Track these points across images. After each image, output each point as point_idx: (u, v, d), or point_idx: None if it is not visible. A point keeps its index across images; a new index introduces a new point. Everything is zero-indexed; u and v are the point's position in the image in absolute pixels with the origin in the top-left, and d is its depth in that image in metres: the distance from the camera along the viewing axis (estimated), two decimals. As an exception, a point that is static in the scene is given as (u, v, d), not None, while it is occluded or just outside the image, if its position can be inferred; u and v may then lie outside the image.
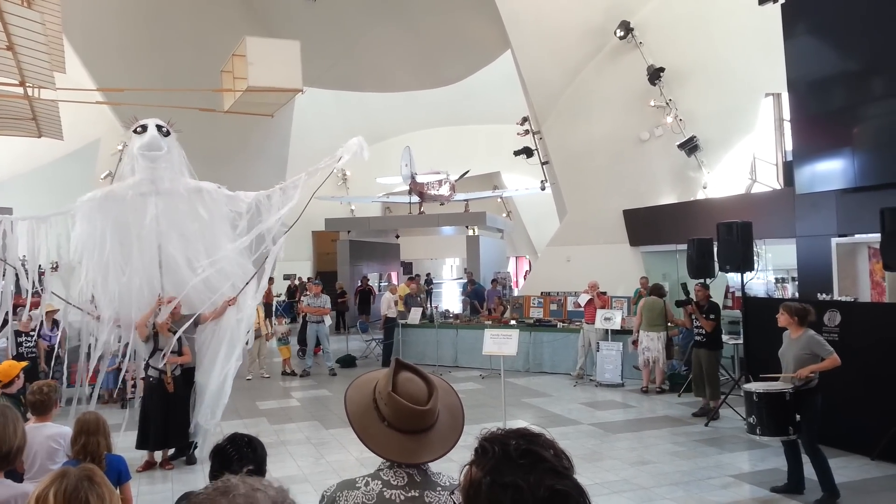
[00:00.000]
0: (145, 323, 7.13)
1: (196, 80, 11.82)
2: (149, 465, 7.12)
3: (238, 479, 1.27)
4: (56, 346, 9.54)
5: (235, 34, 10.88)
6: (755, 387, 6.05)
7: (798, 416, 5.77)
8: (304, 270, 21.85)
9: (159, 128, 7.14)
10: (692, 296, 9.47)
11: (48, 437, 4.14)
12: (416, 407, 1.89)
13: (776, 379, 6.04)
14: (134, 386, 10.35)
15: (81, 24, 14.32)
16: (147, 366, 7.15)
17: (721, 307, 12.72)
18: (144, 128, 7.05)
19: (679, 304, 9.70)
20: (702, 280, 9.49)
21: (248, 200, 7.29)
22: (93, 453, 3.73)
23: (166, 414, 7.04)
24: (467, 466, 1.33)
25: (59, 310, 8.31)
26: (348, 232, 21.51)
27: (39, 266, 7.41)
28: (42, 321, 9.00)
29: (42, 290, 7.50)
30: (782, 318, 6.01)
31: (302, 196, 7.06)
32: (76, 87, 11.18)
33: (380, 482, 1.88)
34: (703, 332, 9.13)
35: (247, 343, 7.70)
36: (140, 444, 7.07)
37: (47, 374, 9.18)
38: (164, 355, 7.01)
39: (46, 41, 7.66)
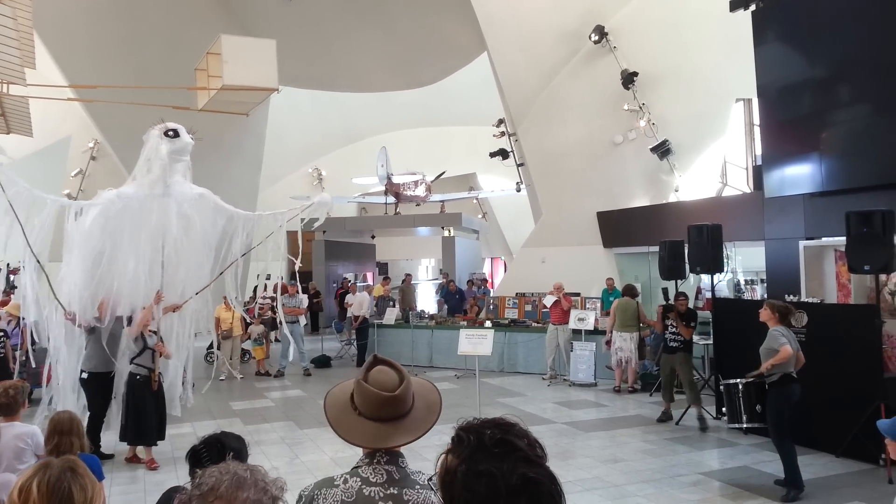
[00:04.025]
0: (147, 320, 7.25)
1: (170, 78, 11.69)
2: (136, 459, 7.24)
3: (241, 465, 1.36)
4: (18, 346, 9.38)
5: (210, 32, 10.78)
6: (726, 381, 6.74)
7: (759, 408, 6.20)
8: (279, 271, 21.73)
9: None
10: (670, 299, 9.30)
11: (16, 436, 4.10)
12: (383, 393, 1.92)
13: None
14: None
15: (53, 20, 14.08)
16: (132, 364, 7.21)
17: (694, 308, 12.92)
18: (176, 132, 7.30)
19: (665, 308, 9.36)
20: (682, 291, 9.35)
21: (241, 219, 7.99)
22: (65, 454, 3.69)
23: (157, 408, 7.23)
24: (443, 455, 1.38)
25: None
26: (324, 232, 21.39)
27: (8, 264, 7.35)
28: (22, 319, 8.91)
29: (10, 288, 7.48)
30: (764, 314, 6.25)
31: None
32: (46, 83, 11.00)
33: (358, 479, 1.89)
34: (681, 339, 8.88)
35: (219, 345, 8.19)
36: (133, 440, 7.18)
37: (13, 374, 9.04)
38: (154, 353, 7.22)
39: (17, 36, 7.58)
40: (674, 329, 8.93)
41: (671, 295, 9.50)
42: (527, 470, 1.28)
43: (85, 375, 7.39)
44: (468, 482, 1.29)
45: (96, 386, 7.41)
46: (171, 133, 7.27)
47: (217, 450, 2.68)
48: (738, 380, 6.49)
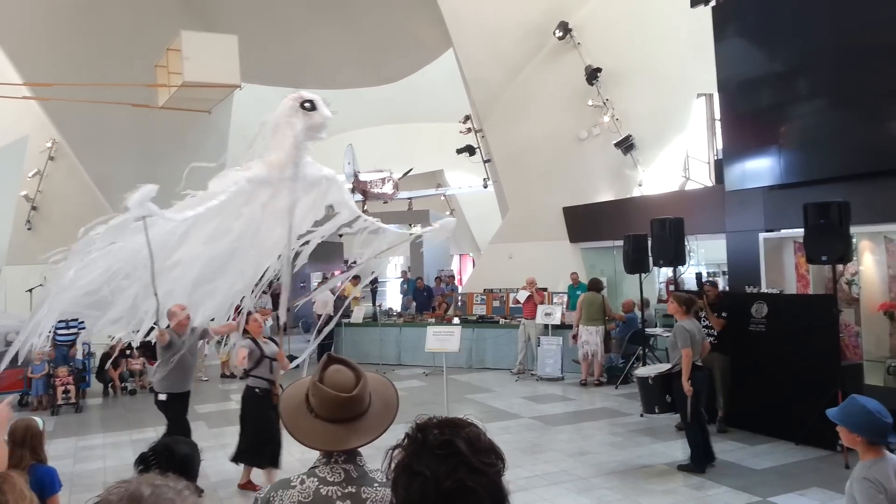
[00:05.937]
0: (261, 327, 6.47)
1: (130, 75, 11.49)
2: (251, 486, 6.35)
3: (144, 478, 1.29)
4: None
5: (171, 27, 10.62)
6: (638, 374, 7.27)
7: (669, 398, 6.58)
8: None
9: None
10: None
11: None
12: (340, 394, 1.89)
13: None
14: (65, 392, 10.05)
15: (7, 15, 13.71)
16: (250, 376, 6.37)
17: (657, 301, 13.08)
18: (313, 104, 5.59)
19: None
20: (710, 280, 9.20)
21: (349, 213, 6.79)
22: (14, 466, 3.61)
23: (277, 428, 6.18)
24: (391, 450, 1.36)
25: None
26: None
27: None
28: None
29: None
30: (671, 307, 6.60)
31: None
32: (1, 81, 10.71)
33: (316, 479, 1.87)
34: (714, 332, 7.86)
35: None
36: (251, 460, 6.35)
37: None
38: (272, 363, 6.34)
39: (-34, 33, 7.34)
40: (705, 322, 7.78)
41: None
42: (466, 477, 1.22)
43: (164, 397, 6.40)
44: (404, 480, 1.27)
45: (180, 407, 6.48)
46: (307, 105, 5.58)
47: (165, 457, 2.61)
48: (649, 373, 7.01)
